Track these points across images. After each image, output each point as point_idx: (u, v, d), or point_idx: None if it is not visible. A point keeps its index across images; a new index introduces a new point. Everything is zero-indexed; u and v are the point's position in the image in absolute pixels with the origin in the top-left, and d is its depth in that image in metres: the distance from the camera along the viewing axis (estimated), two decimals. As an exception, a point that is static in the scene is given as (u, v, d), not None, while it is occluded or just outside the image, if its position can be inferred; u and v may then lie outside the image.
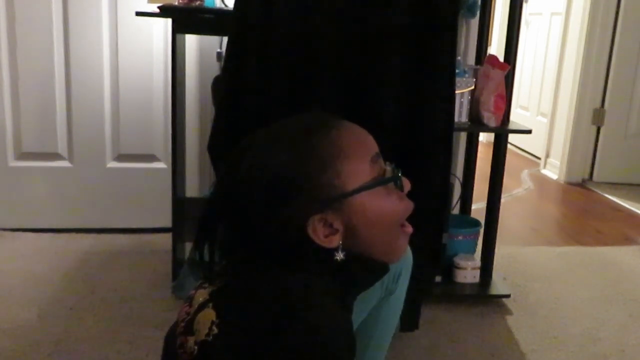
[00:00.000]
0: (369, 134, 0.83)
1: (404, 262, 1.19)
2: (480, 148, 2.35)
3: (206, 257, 0.82)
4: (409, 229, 0.86)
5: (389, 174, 0.82)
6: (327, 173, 0.77)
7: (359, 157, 0.79)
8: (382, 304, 1.19)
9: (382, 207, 0.81)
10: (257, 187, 0.77)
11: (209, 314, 0.76)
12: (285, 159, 0.77)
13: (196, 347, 0.75)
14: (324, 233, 0.78)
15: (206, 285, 0.81)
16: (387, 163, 0.83)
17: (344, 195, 0.78)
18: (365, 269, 0.86)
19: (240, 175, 0.78)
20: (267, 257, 0.79)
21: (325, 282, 0.78)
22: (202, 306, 0.78)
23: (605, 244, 2.72)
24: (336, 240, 0.79)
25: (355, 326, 1.16)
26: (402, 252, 0.87)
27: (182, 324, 0.79)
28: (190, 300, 0.81)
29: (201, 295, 0.79)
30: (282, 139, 0.79)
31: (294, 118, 0.83)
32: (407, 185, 0.84)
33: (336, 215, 0.78)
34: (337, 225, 0.78)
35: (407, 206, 0.85)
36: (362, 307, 1.15)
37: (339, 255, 0.79)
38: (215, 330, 0.74)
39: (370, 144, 0.82)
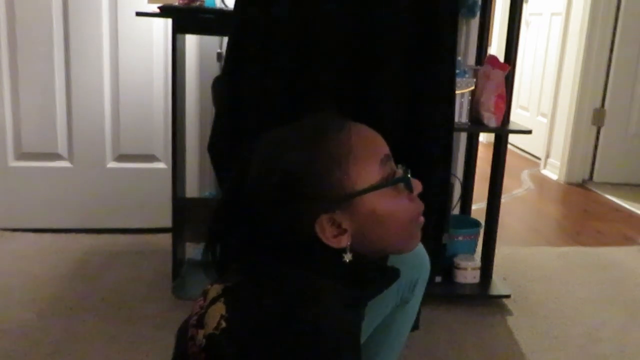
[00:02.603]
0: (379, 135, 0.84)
1: (421, 272, 1.18)
2: (480, 148, 2.36)
3: (217, 258, 0.83)
4: (421, 220, 0.87)
5: (398, 176, 0.82)
6: (336, 173, 0.78)
7: (368, 158, 0.80)
8: (396, 312, 1.18)
9: (392, 208, 0.81)
10: (266, 185, 0.78)
11: (219, 308, 0.76)
12: (295, 158, 0.78)
13: (204, 340, 0.76)
14: (332, 233, 0.78)
15: (221, 280, 0.82)
16: (399, 166, 0.84)
17: (353, 195, 0.78)
18: (377, 273, 0.87)
19: (251, 174, 0.79)
20: (277, 257, 0.80)
21: (334, 285, 0.79)
22: (214, 300, 0.78)
23: (605, 244, 2.72)
24: (345, 241, 0.79)
25: (368, 333, 1.16)
26: (415, 244, 0.87)
27: (195, 317, 0.80)
28: (205, 294, 0.82)
29: (215, 290, 0.80)
30: (293, 139, 0.80)
31: (304, 119, 0.84)
32: (417, 186, 0.84)
33: (345, 215, 0.79)
34: (346, 225, 0.79)
35: (417, 207, 0.85)
36: (376, 314, 1.15)
37: (347, 257, 0.79)
38: (223, 324, 0.75)
39: (380, 146, 0.83)
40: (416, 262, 1.16)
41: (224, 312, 0.76)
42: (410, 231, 0.85)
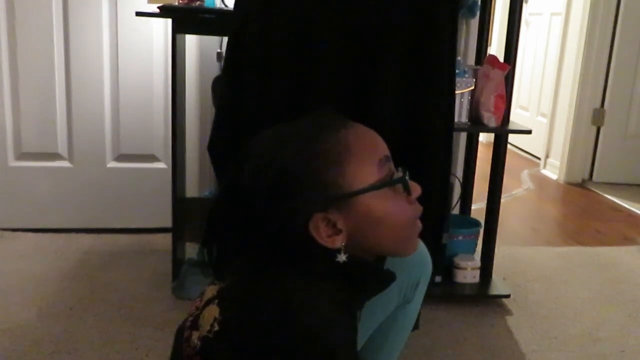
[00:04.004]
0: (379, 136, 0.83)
1: (423, 271, 1.18)
2: (480, 148, 2.35)
3: (214, 257, 0.83)
4: (418, 225, 0.86)
5: (397, 177, 0.81)
6: (332, 171, 0.77)
7: (366, 158, 0.79)
8: (398, 312, 1.18)
9: (389, 209, 0.80)
10: (262, 182, 0.77)
11: (213, 310, 0.76)
12: (291, 155, 0.77)
13: (199, 343, 0.75)
14: (326, 233, 0.78)
15: (218, 281, 0.82)
16: (399, 168, 0.83)
17: (348, 195, 0.77)
18: (372, 276, 0.86)
19: (248, 171, 0.79)
20: (271, 258, 0.79)
21: (328, 287, 0.78)
22: (209, 302, 0.78)
23: (605, 244, 2.72)
24: (339, 241, 0.78)
25: (371, 331, 1.15)
26: (413, 248, 0.86)
27: (190, 319, 0.80)
28: (201, 295, 0.82)
29: (211, 292, 0.80)
30: (290, 136, 0.80)
31: (304, 117, 0.83)
32: (416, 189, 0.83)
33: (340, 215, 0.78)
34: (341, 225, 0.78)
35: (415, 210, 0.84)
36: (377, 314, 1.15)
37: (341, 257, 0.78)
38: (216, 326, 0.74)
39: (379, 147, 0.82)
40: (419, 261, 1.16)
41: (217, 315, 0.75)
42: (407, 234, 0.84)
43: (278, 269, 0.78)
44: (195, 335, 0.76)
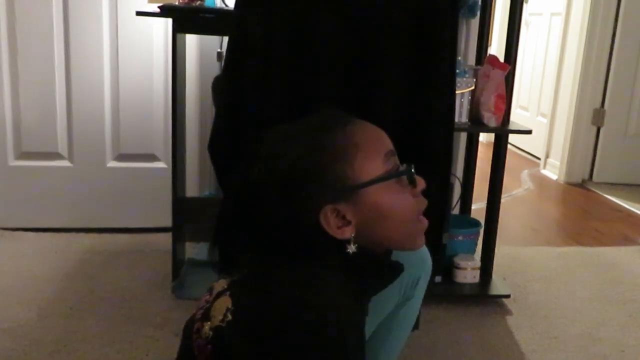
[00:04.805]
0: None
1: (423, 269, 1.20)
2: (480, 148, 2.36)
3: (223, 253, 0.84)
4: (424, 221, 0.89)
5: (402, 169, 0.85)
6: (340, 164, 0.80)
7: (372, 152, 0.82)
8: (398, 310, 1.20)
9: (395, 201, 0.83)
10: (273, 176, 0.80)
11: (225, 301, 0.78)
12: (300, 150, 0.80)
13: (211, 333, 0.77)
14: (336, 224, 0.80)
15: (227, 276, 0.83)
16: (404, 165, 0.86)
17: (356, 187, 0.80)
18: (380, 268, 0.88)
19: (258, 166, 0.81)
20: (283, 251, 0.81)
21: (339, 279, 0.80)
22: (220, 294, 0.80)
23: (605, 244, 2.72)
24: (348, 232, 0.81)
25: (372, 330, 1.17)
26: (419, 243, 0.89)
27: (201, 311, 0.81)
28: (210, 290, 0.83)
29: (221, 285, 0.82)
30: (299, 133, 0.83)
31: (311, 115, 0.86)
32: (420, 183, 0.86)
33: (349, 207, 0.80)
34: (350, 217, 0.81)
35: (421, 203, 0.87)
36: (378, 311, 1.16)
37: (351, 248, 0.81)
38: (229, 316, 0.76)
39: (384, 141, 0.85)
40: (419, 259, 1.18)
41: (229, 305, 0.77)
42: (413, 227, 0.87)
43: (289, 262, 0.80)
44: (206, 326, 0.78)
